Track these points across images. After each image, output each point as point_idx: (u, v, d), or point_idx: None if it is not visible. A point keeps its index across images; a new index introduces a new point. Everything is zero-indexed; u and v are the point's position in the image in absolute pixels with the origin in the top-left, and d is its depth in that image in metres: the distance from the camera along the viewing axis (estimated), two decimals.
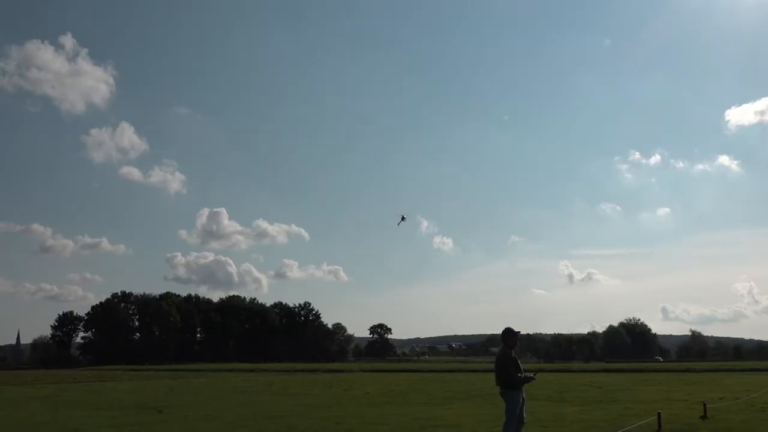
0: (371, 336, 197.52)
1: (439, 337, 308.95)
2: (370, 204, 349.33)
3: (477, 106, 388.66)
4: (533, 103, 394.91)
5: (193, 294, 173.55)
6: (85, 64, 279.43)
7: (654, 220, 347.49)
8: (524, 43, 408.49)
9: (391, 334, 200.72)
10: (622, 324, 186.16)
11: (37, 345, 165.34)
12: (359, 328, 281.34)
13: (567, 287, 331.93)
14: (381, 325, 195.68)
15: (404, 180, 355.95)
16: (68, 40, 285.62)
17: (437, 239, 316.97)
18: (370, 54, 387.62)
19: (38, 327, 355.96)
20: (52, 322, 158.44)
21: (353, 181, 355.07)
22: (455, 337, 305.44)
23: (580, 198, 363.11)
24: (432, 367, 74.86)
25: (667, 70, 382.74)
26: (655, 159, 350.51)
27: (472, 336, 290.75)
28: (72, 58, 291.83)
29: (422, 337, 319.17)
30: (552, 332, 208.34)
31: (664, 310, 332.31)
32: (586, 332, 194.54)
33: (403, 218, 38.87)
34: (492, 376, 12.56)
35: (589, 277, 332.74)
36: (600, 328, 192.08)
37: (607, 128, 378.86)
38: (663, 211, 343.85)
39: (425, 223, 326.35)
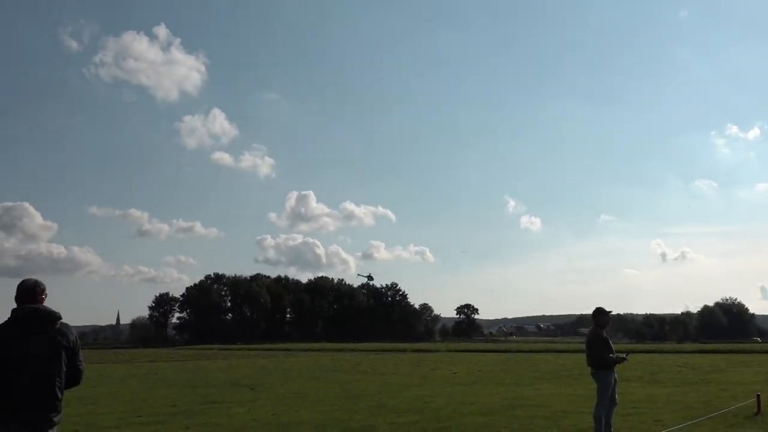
0: (458, 316, 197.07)
1: (527, 317, 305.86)
2: (457, 185, 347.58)
3: (564, 82, 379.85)
4: (624, 76, 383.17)
5: (282, 275, 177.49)
6: (178, 54, 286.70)
7: (752, 196, 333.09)
8: (613, 16, 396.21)
9: (478, 314, 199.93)
10: (717, 304, 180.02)
11: (136, 325, 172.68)
12: (446, 309, 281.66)
13: (660, 266, 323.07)
14: (468, 306, 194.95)
15: (491, 159, 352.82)
16: (162, 31, 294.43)
17: (525, 219, 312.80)
18: (455, 32, 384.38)
19: (137, 308, 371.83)
20: (150, 303, 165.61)
21: (440, 162, 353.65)
22: (543, 318, 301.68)
23: (674, 174, 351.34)
24: (520, 348, 74.03)
25: (766, 38, 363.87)
26: (754, 133, 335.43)
27: (561, 316, 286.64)
28: (166, 48, 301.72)
29: (510, 317, 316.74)
30: (643, 312, 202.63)
31: (762, 290, 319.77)
32: (679, 312, 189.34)
33: (369, 277, 40.96)
34: (582, 357, 12.34)
35: (683, 255, 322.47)
36: (694, 308, 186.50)
37: (703, 101, 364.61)
38: (762, 186, 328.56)
39: (512, 203, 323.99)
